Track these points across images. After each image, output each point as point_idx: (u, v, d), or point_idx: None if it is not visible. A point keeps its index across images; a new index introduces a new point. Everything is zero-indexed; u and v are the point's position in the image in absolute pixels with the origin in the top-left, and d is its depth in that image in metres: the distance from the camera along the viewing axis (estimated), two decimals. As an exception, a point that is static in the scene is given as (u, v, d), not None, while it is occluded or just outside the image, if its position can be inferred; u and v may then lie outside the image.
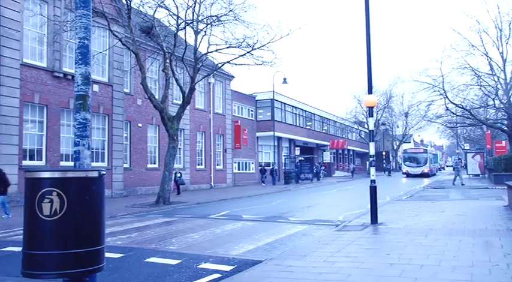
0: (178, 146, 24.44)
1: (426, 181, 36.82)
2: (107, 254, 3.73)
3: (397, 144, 69.66)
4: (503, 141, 38.61)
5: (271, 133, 40.40)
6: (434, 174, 52.85)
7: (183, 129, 29.23)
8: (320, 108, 57.31)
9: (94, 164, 21.29)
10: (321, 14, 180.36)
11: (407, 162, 49.00)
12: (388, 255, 7.30)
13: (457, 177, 28.25)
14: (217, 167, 34.03)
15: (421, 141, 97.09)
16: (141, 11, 20.56)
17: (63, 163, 19.97)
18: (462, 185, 27.17)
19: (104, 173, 3.45)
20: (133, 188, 24.73)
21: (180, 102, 21.30)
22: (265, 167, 37.88)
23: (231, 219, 13.83)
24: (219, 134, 34.53)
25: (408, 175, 47.18)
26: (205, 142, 32.64)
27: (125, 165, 24.39)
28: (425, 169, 47.18)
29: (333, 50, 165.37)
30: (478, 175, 41.87)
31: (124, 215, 15.40)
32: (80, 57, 3.81)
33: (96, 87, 22.00)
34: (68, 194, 3.16)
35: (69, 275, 3.19)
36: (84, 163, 3.74)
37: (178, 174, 24.35)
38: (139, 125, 26.13)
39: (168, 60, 19.89)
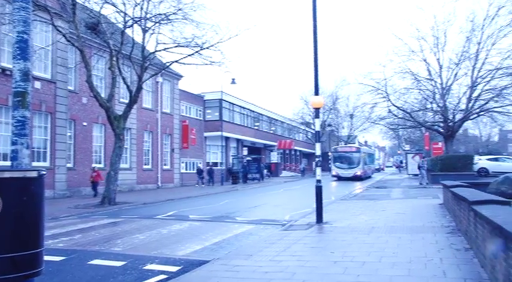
0: (125, 146, 23.90)
1: (359, 185, 31.91)
2: (47, 257, 3.61)
3: (343, 145, 71.28)
4: (440, 143, 40.53)
5: (219, 133, 40.36)
6: (370, 177, 46.27)
7: (130, 129, 28.65)
8: (268, 109, 57.93)
9: (35, 163, 20.48)
10: (269, 16, 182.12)
11: (337, 163, 41.54)
12: (332, 254, 7.49)
13: (424, 177, 29.36)
14: (165, 167, 33.59)
15: (365, 142, 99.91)
16: (86, 7, 19.93)
17: (0, 163, 19.03)
18: (421, 184, 28.21)
19: (44, 173, 3.35)
20: (77, 188, 23.95)
21: (127, 101, 20.85)
22: (202, 168, 37.30)
23: (178, 219, 13.71)
24: (166, 134, 34.08)
25: (339, 178, 40.25)
26: (152, 142, 32.12)
27: (69, 165, 23.58)
28: (358, 171, 40.64)
29: (281, 51, 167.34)
30: (417, 175, 43.75)
31: (67, 217, 14.90)
32: (18, 52, 3.67)
33: (38, 84, 21.12)
34: (3, 195, 3.03)
35: (3, 280, 3.06)
36: (23, 163, 3.61)
37: None
38: (84, 123, 25.34)
39: (114, 58, 19.43)
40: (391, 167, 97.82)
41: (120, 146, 19.52)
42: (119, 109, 22.62)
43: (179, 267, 7.04)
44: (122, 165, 24.53)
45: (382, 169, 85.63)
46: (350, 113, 61.63)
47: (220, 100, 41.97)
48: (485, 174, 29.13)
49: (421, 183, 28.81)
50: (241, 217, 14.01)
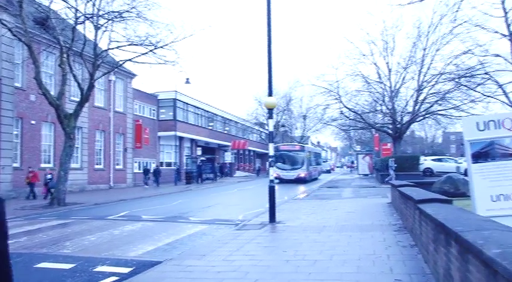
0: (76, 145, 23.21)
1: (302, 188, 29.12)
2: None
3: (286, 142, 71.70)
4: (389, 144, 41.93)
5: (173, 133, 39.99)
6: (316, 179, 42.22)
7: (81, 128, 27.85)
8: (222, 109, 57.83)
9: (-23, 163, 19.57)
10: (223, 16, 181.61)
11: (279, 164, 34.60)
12: (284, 252, 7.63)
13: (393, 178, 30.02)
14: (117, 167, 32.89)
15: (318, 142, 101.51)
16: (34, 1, 19.23)
17: None
18: (389, 182, 28.82)
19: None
20: (24, 189, 22.97)
21: (78, 100, 20.28)
22: (148, 168, 36.14)
23: (131, 220, 13.52)
24: (119, 133, 33.38)
25: (281, 180, 34.14)
26: (104, 141, 31.37)
27: (15, 165, 22.65)
28: (302, 173, 36.39)
29: (235, 52, 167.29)
30: (367, 175, 45.08)
31: (12, 219, 14.24)
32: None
33: (-20, 80, 20.18)
34: None
35: None
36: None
37: (49, 176, 21.45)
38: (33, 122, 24.39)
39: (65, 55, 18.86)
40: (341, 167, 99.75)
41: (70, 146, 18.99)
42: (70, 107, 21.98)
43: (131, 269, 6.97)
44: (73, 165, 23.83)
45: (333, 169, 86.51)
46: (303, 114, 62.37)
47: (174, 100, 41.58)
48: (430, 174, 30.44)
49: (389, 181, 29.31)
50: (194, 217, 13.98)
